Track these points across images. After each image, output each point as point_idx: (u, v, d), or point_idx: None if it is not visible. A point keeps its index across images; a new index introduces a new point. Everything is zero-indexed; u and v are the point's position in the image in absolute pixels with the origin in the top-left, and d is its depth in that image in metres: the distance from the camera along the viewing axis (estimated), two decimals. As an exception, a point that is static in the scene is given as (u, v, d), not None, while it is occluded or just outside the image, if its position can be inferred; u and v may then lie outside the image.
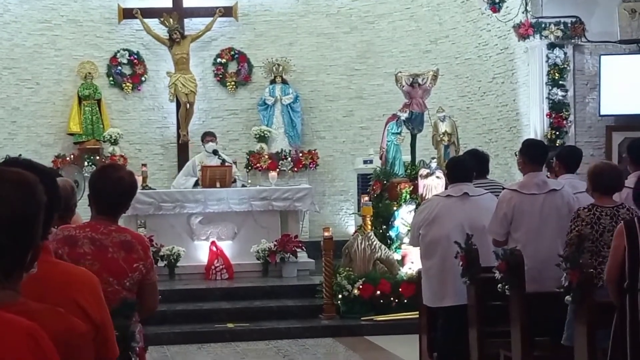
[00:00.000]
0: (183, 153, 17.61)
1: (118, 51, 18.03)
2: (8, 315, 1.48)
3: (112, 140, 17.27)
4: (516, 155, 9.49)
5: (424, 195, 12.69)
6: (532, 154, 8.41)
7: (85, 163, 16.86)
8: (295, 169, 17.70)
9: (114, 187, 4.98)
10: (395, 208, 13.43)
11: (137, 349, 4.48)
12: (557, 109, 14.45)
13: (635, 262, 6.01)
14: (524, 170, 8.40)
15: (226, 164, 14.96)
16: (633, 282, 6.02)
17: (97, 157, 17.22)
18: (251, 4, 18.29)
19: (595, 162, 8.00)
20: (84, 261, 4.71)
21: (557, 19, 14.40)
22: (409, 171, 13.98)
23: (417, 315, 9.95)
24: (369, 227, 13.22)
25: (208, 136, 15.37)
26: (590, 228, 6.97)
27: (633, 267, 6.02)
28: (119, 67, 18.03)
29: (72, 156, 17.12)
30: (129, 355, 4.33)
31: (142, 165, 15.96)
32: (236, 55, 18.33)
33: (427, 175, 13.03)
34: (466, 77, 16.85)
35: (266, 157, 17.50)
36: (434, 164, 13.25)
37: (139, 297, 4.96)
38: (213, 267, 14.05)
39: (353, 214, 17.07)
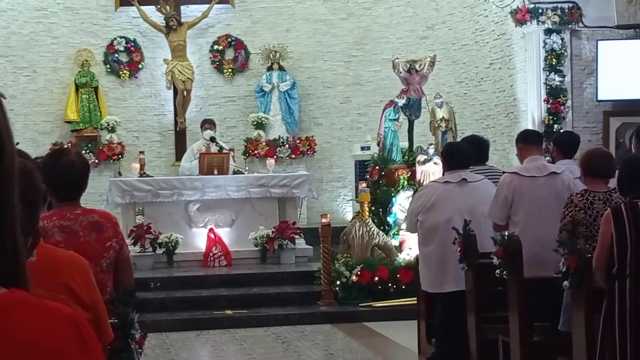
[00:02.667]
0: (180, 140, 17.62)
1: (115, 39, 18.00)
2: (51, 304, 1.49)
3: (110, 128, 17.26)
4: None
5: (421, 181, 12.69)
6: (526, 135, 8.61)
7: (83, 151, 16.85)
8: (293, 156, 17.69)
9: (68, 172, 4.92)
10: (392, 194, 13.44)
11: (137, 336, 4.48)
12: (554, 94, 14.46)
13: (623, 248, 6.03)
14: (523, 156, 8.45)
15: (224, 151, 14.95)
16: (622, 267, 6.04)
17: (95, 145, 17.22)
18: (248, -10, 18.29)
19: (586, 148, 8.05)
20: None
21: (554, 5, 14.40)
22: (406, 157, 13.99)
23: (416, 301, 9.98)
24: (367, 213, 13.23)
25: (207, 124, 15.36)
26: (583, 213, 6.98)
27: (621, 253, 6.03)
28: (116, 55, 18.01)
29: (69, 144, 17.10)
30: (128, 342, 4.34)
31: (140, 152, 15.98)
32: (233, 42, 18.31)
33: (424, 162, 13.04)
34: (463, 63, 16.84)
35: (264, 144, 17.50)
36: (431, 150, 13.25)
37: (114, 274, 4.95)
38: (211, 254, 14.05)
39: (351, 200, 17.07)
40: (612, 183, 7.13)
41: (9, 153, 1.45)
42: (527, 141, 8.52)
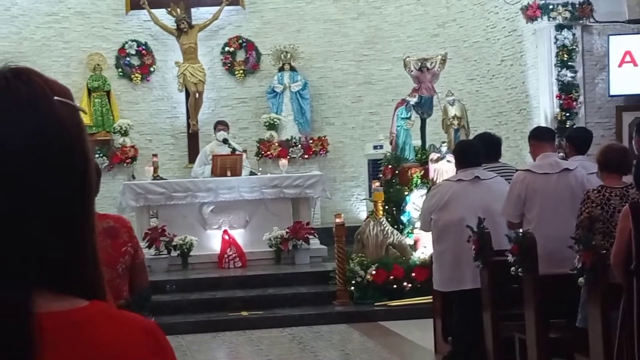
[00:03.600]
0: (193, 142, 17.64)
1: (126, 42, 18.04)
2: (129, 314, 1.52)
3: (123, 132, 17.27)
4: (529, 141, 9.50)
5: (434, 179, 12.69)
6: (538, 132, 8.64)
7: (96, 155, 16.87)
8: (306, 156, 17.69)
9: None
10: (406, 193, 13.44)
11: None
12: (566, 90, 14.43)
13: (641, 244, 6.00)
14: (536, 153, 8.44)
15: (236, 152, 14.97)
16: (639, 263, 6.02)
17: (108, 149, 17.26)
18: (258, -9, 18.30)
19: (603, 144, 8.05)
20: None
21: (565, 0, 14.37)
22: (419, 156, 13.99)
23: (431, 300, 9.97)
24: (381, 212, 13.23)
25: (220, 125, 15.41)
26: (600, 209, 6.96)
27: (639, 248, 6.01)
28: (128, 58, 18.04)
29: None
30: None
31: (153, 155, 15.99)
32: (244, 44, 18.32)
33: (437, 160, 13.04)
34: (475, 60, 16.82)
35: (276, 144, 17.50)
36: (444, 148, 13.25)
37: (130, 278, 4.96)
38: (226, 256, 14.07)
39: (364, 199, 17.07)
40: (628, 179, 7.12)
41: (91, 165, 1.48)
42: (540, 138, 8.54)
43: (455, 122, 14.00)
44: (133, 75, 18.04)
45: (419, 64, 14.17)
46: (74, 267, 1.44)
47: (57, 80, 1.50)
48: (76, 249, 1.45)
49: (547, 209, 7.93)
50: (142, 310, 4.54)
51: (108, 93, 17.69)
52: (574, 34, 14.46)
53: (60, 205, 1.42)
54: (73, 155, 1.45)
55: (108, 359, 1.41)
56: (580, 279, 6.44)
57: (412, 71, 14.22)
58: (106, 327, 1.43)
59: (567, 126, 13.95)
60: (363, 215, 16.56)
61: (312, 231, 14.24)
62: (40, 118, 1.41)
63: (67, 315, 1.40)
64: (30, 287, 1.37)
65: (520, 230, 7.79)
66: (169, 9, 17.58)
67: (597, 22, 14.47)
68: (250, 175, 14.89)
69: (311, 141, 17.80)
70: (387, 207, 13.45)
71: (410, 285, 12.40)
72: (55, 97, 1.45)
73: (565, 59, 14.41)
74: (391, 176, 13.80)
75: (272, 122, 17.61)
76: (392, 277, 12.45)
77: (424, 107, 14.15)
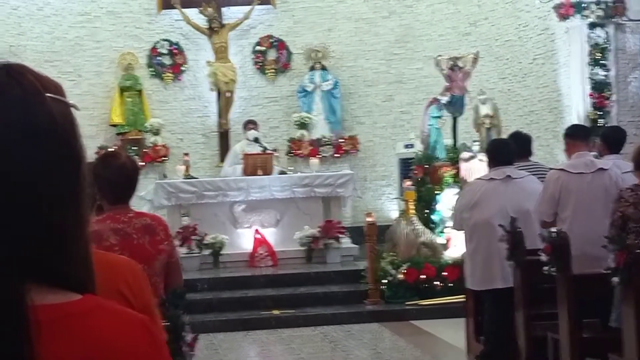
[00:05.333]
0: (224, 141, 17.69)
1: (158, 42, 18.12)
2: (123, 308, 1.53)
3: (154, 131, 17.36)
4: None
5: (466, 178, 12.66)
6: (573, 130, 8.60)
7: (130, 154, 16.95)
8: (336, 155, 17.71)
9: (120, 175, 4.94)
10: (437, 192, 13.41)
11: (189, 339, 4.50)
12: (599, 89, 14.36)
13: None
14: (570, 152, 8.40)
15: (267, 151, 14.99)
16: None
17: (140, 148, 17.33)
18: (289, -10, 18.33)
19: (638, 143, 7.99)
20: (113, 253, 4.71)
21: (598, -1, 14.32)
22: (450, 155, 13.95)
23: (462, 299, 9.95)
24: (412, 211, 13.20)
25: (250, 124, 15.44)
26: (633, 209, 6.91)
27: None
28: (159, 58, 18.12)
29: (114, 147, 17.22)
30: (179, 345, 4.35)
31: (184, 154, 16.05)
32: (275, 43, 18.35)
33: (469, 159, 13.00)
34: (506, 59, 16.76)
35: (307, 143, 17.53)
36: (475, 147, 13.21)
37: (165, 277, 4.98)
38: (257, 255, 14.10)
39: (395, 198, 17.05)
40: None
41: (84, 163, 1.50)
42: (574, 136, 8.47)
43: (487, 121, 13.96)
44: (165, 75, 18.12)
45: (451, 62, 14.13)
46: (66, 262, 1.45)
47: (48, 76, 1.51)
48: (68, 243, 1.45)
49: (581, 208, 7.89)
50: (177, 309, 4.55)
51: (140, 92, 17.78)
52: (606, 32, 14.39)
53: (53, 201, 1.42)
54: (65, 152, 1.45)
55: (109, 351, 1.41)
56: (614, 279, 6.40)
57: (443, 70, 14.19)
58: (105, 320, 1.44)
59: (600, 125, 13.88)
60: (394, 214, 16.53)
61: (343, 230, 14.24)
62: (33, 116, 1.41)
63: (63, 308, 1.41)
64: (25, 279, 1.38)
65: (554, 230, 7.74)
66: (201, 9, 17.65)
67: (630, 20, 14.40)
68: (281, 174, 14.91)
69: (342, 140, 17.81)
70: (418, 206, 13.43)
71: (441, 284, 12.39)
72: (48, 94, 1.45)
73: (598, 57, 14.34)
74: (422, 175, 13.77)
75: (302, 121, 17.64)
76: (423, 276, 12.44)
77: (455, 106, 14.11)
